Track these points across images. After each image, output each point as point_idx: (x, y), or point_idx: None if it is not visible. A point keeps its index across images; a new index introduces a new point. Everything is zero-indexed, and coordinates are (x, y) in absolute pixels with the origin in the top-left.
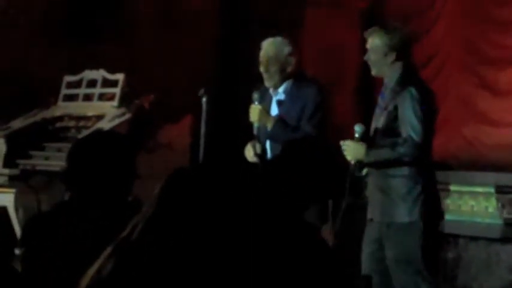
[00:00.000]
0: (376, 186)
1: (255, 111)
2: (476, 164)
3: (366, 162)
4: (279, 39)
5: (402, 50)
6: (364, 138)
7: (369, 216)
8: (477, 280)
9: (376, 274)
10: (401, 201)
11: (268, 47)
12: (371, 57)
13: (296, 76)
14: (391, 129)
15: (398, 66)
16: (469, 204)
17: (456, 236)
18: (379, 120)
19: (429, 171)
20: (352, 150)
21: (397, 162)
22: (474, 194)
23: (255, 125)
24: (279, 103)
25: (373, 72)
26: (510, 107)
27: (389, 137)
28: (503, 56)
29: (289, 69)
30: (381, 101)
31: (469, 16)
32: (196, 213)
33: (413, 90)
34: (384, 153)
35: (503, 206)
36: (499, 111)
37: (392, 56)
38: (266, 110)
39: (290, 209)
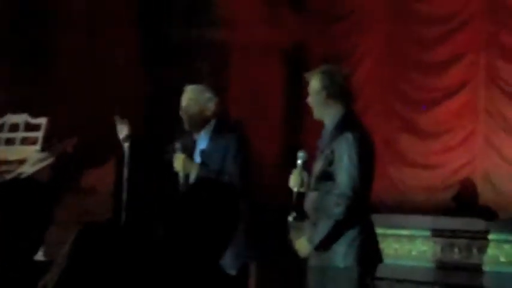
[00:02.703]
0: (313, 226)
1: (178, 160)
2: (400, 206)
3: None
4: (199, 85)
5: (340, 92)
6: (305, 166)
7: (309, 262)
8: None
9: None
10: (336, 245)
11: (189, 92)
12: (310, 99)
13: (217, 121)
14: (327, 173)
15: (337, 109)
16: (393, 247)
17: (381, 279)
18: (317, 164)
19: (365, 215)
20: (300, 249)
21: (343, 224)
22: (398, 237)
23: (180, 174)
24: (201, 151)
25: (314, 115)
26: (432, 149)
27: (324, 181)
28: (425, 98)
29: (208, 113)
30: (320, 144)
31: (392, 60)
32: (106, 270)
33: (350, 135)
34: (323, 227)
35: (427, 249)
36: (421, 153)
37: (329, 98)
38: (189, 158)
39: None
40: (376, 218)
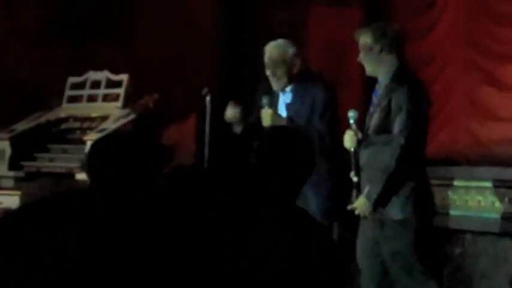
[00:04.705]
0: (369, 183)
1: (266, 115)
2: (482, 159)
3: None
4: (282, 41)
5: (392, 47)
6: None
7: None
8: (485, 275)
9: (373, 271)
10: (394, 197)
11: (272, 50)
12: (362, 57)
13: (302, 75)
14: (384, 125)
15: (390, 63)
16: (476, 199)
17: (464, 232)
18: (372, 118)
19: (421, 167)
20: (360, 208)
21: (398, 176)
22: (481, 189)
23: None
24: (287, 105)
25: (367, 72)
26: None
27: (381, 134)
28: (507, 51)
29: (295, 70)
30: (374, 99)
31: (472, 12)
32: (195, 211)
33: (406, 87)
34: (379, 182)
35: (510, 201)
36: (504, 107)
37: (382, 53)
38: (277, 113)
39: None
40: (459, 170)
